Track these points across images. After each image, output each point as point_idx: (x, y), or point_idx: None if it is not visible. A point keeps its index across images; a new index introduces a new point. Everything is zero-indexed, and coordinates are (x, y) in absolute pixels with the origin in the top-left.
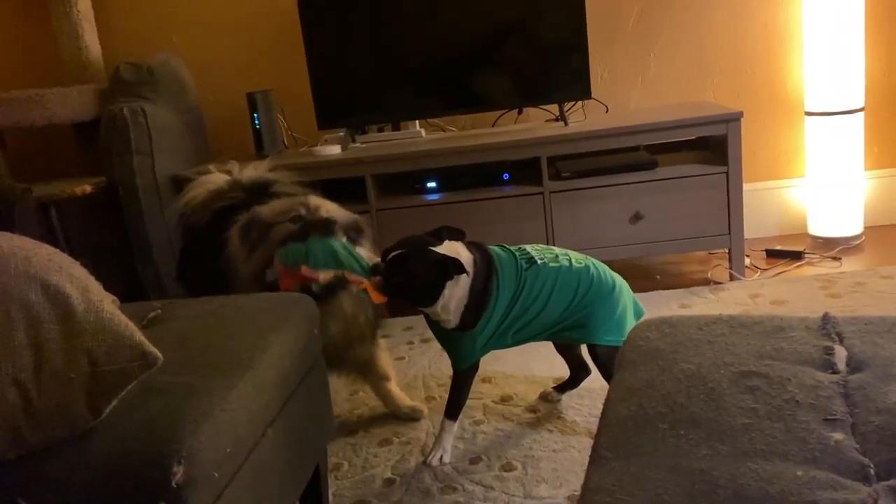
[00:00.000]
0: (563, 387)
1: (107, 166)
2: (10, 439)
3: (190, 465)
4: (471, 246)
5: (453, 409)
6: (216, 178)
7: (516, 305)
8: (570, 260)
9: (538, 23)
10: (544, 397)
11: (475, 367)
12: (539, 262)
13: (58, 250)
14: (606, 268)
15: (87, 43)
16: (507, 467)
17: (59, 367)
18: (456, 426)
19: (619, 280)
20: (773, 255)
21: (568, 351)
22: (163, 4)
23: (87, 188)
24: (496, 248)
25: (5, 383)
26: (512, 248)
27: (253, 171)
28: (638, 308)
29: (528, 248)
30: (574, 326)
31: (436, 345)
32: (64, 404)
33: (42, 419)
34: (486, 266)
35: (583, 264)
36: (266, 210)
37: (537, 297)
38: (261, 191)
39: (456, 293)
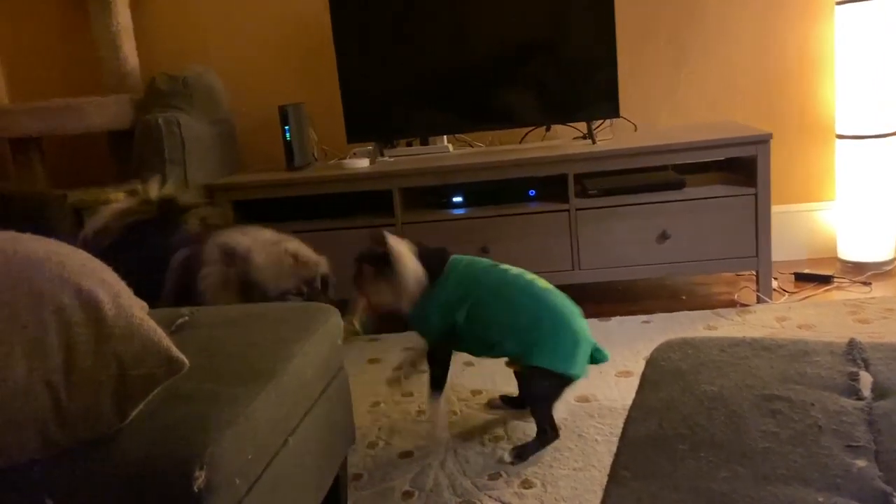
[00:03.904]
0: (512, 401)
1: (140, 174)
2: (39, 439)
3: (212, 470)
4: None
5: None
6: (121, 204)
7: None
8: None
9: (568, 40)
10: (491, 404)
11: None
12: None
13: (91, 256)
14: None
15: (126, 54)
16: (527, 484)
17: (89, 369)
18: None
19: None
20: (801, 278)
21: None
22: (200, 18)
23: (121, 196)
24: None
25: (37, 384)
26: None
27: (158, 190)
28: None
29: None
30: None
31: (458, 358)
32: (92, 406)
33: (70, 420)
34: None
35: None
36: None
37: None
38: (170, 206)
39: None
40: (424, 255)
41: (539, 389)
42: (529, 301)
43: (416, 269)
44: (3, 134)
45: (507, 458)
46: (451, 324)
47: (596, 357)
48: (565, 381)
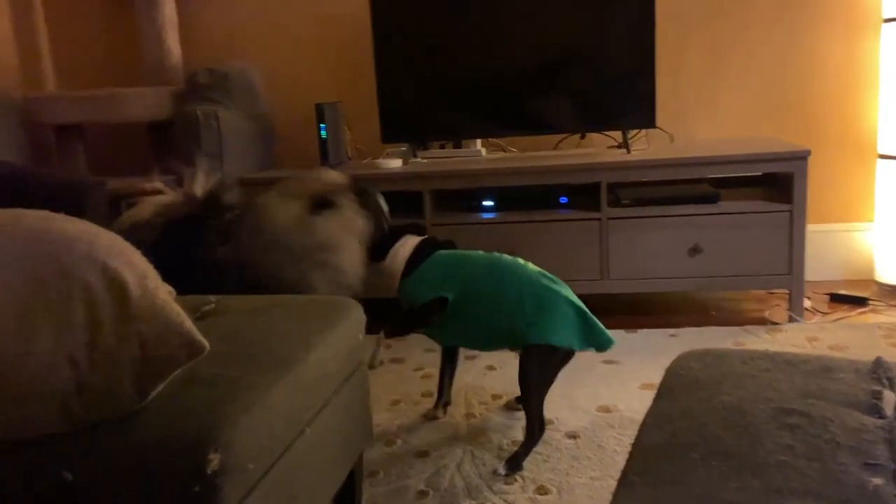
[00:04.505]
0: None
1: (177, 166)
2: (60, 413)
3: (226, 454)
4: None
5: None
6: (165, 198)
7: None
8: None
9: (606, 49)
10: (508, 406)
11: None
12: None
13: (120, 237)
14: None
15: (169, 47)
16: (542, 490)
17: (112, 348)
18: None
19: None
20: (835, 299)
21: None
22: (243, 14)
23: (159, 185)
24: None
25: (61, 359)
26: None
27: (202, 186)
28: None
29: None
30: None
31: (480, 363)
32: (113, 384)
33: (91, 396)
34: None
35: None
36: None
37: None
38: (214, 203)
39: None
40: (420, 246)
41: (534, 374)
42: (520, 279)
43: (399, 258)
44: (47, 121)
45: (502, 470)
46: (441, 298)
47: (601, 342)
48: (564, 357)
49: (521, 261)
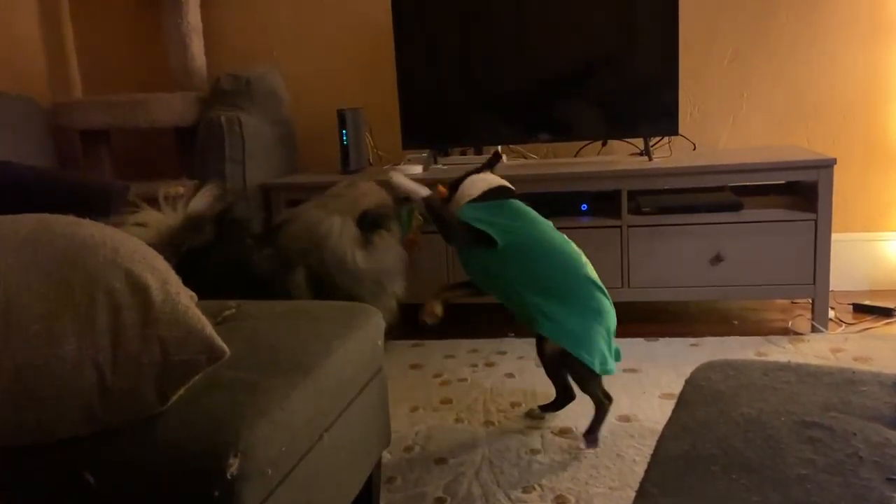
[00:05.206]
0: (547, 407)
1: (201, 170)
2: (83, 415)
3: (245, 459)
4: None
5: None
6: (159, 218)
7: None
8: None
9: (629, 56)
10: (529, 415)
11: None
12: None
13: (143, 243)
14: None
15: (194, 52)
16: (561, 499)
17: (134, 352)
18: None
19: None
20: (860, 309)
21: (556, 376)
22: (266, 21)
23: (181, 190)
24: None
25: (85, 362)
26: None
27: (203, 202)
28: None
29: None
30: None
31: (499, 369)
32: (135, 388)
33: (114, 400)
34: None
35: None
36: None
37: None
38: (228, 224)
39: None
40: (497, 188)
41: (563, 364)
42: (570, 276)
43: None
44: (73, 126)
45: (583, 446)
46: (486, 235)
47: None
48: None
49: (586, 265)
